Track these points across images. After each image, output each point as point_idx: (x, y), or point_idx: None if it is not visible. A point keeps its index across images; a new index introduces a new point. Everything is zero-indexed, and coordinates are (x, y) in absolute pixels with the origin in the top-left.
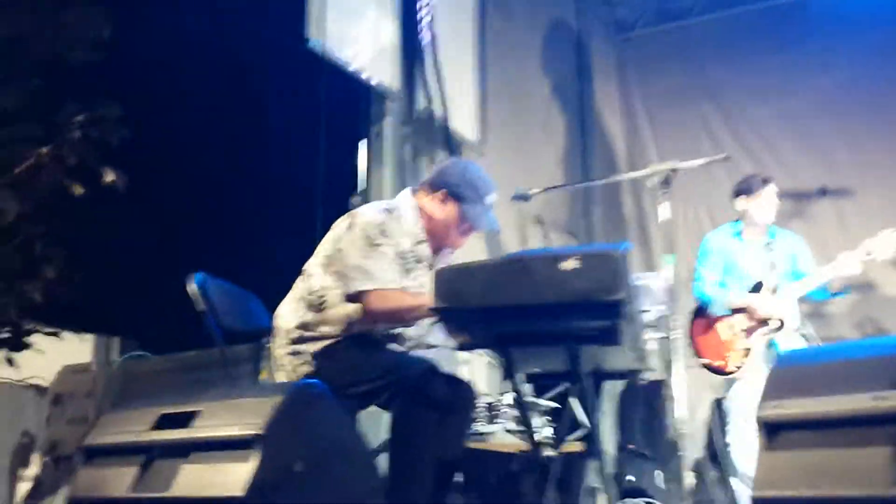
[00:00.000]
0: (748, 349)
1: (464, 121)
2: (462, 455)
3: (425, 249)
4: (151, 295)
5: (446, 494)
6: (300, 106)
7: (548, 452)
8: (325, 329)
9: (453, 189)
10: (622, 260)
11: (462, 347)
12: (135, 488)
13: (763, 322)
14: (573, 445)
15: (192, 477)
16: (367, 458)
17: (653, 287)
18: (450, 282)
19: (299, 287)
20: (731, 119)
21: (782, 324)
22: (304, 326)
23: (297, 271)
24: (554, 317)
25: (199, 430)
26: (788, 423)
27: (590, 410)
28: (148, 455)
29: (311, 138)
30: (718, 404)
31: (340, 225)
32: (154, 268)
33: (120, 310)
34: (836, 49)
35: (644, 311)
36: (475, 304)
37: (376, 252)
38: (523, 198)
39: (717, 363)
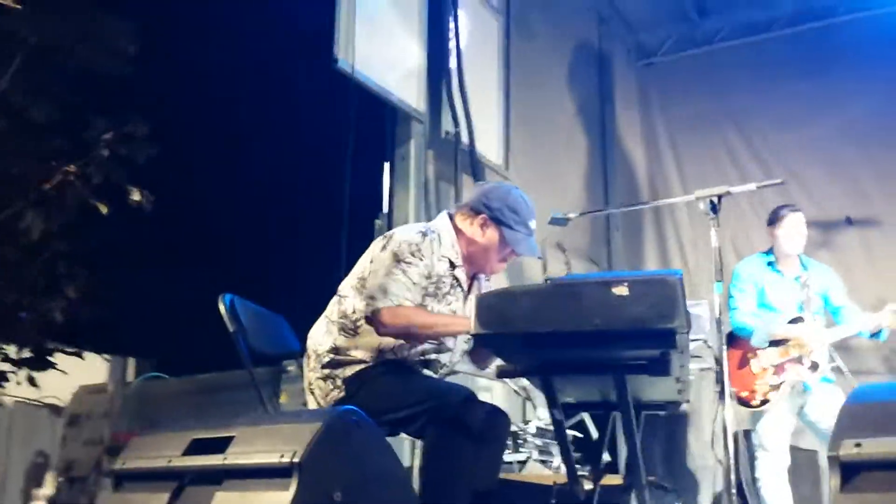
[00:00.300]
0: (776, 385)
1: (488, 144)
2: (496, 486)
3: (461, 274)
4: (170, 316)
5: None
6: (328, 126)
7: (587, 485)
8: (357, 353)
9: (495, 213)
10: (677, 286)
11: (501, 375)
12: None
13: (798, 359)
14: (613, 478)
15: None
16: (406, 488)
17: (699, 315)
18: (494, 307)
19: (333, 309)
20: (755, 146)
21: (817, 366)
22: (336, 350)
23: (321, 293)
24: (604, 345)
25: (234, 457)
26: (868, 463)
27: (632, 443)
28: (180, 481)
29: (339, 159)
30: (745, 436)
31: (376, 245)
32: (174, 289)
33: (137, 331)
34: (863, 77)
35: (692, 340)
36: (520, 330)
37: (400, 271)
38: (561, 222)
39: (743, 394)
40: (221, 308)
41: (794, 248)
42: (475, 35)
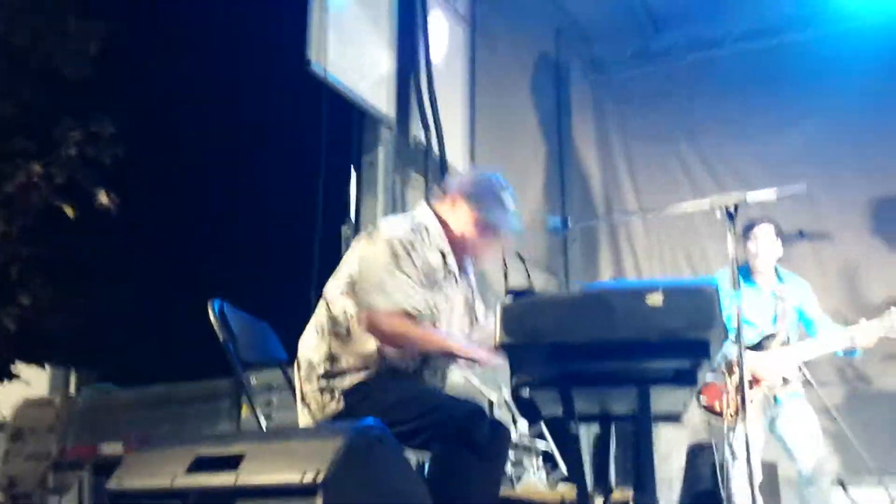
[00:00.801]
0: (748, 399)
1: (454, 151)
2: (497, 502)
3: (452, 262)
4: (118, 325)
5: None
6: (299, 131)
7: (598, 502)
8: (353, 360)
9: (471, 195)
10: (714, 296)
11: (518, 386)
12: None
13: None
14: (621, 494)
15: None
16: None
17: None
18: (520, 317)
19: (320, 314)
20: (710, 161)
21: (786, 381)
22: (331, 358)
23: (293, 299)
24: (635, 356)
25: (248, 475)
26: None
27: (646, 457)
28: (183, 501)
29: (310, 164)
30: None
31: (362, 244)
32: (130, 297)
33: (80, 340)
34: (818, 94)
35: None
36: (548, 341)
37: (399, 271)
38: (560, 228)
39: (715, 405)
40: (211, 314)
41: (762, 260)
42: (442, 43)
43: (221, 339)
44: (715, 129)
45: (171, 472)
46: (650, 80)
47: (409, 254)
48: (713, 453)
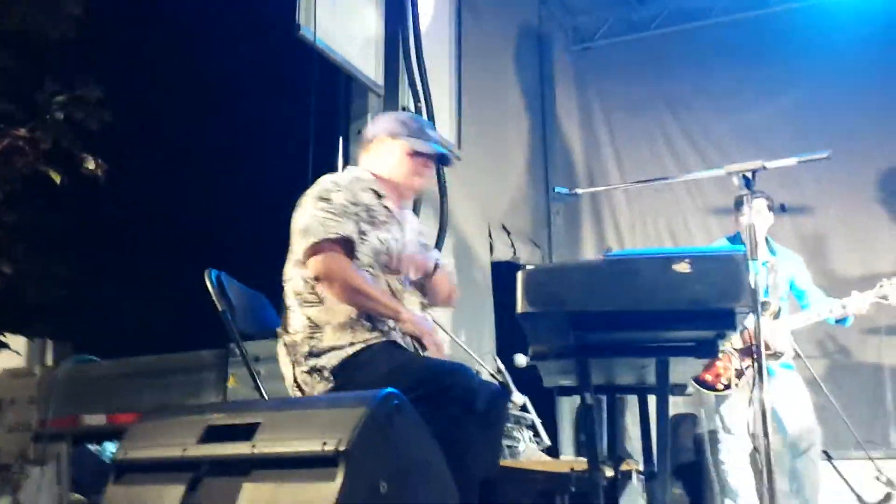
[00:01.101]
0: (740, 370)
1: (441, 121)
2: (498, 471)
3: (391, 205)
4: (105, 295)
5: None
6: (289, 100)
7: (608, 473)
8: (333, 330)
9: (397, 130)
10: (742, 264)
11: (535, 357)
12: None
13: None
14: (631, 464)
15: (257, 498)
16: (446, 477)
17: None
18: (542, 284)
19: (287, 295)
20: (691, 133)
21: (779, 354)
22: (312, 333)
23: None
24: (661, 325)
25: (265, 444)
26: None
27: (662, 428)
28: (195, 472)
29: (300, 133)
30: (692, 421)
31: (294, 214)
32: (117, 266)
33: (57, 310)
34: (797, 67)
35: None
36: (570, 310)
37: (320, 209)
38: (568, 196)
39: (707, 378)
40: (208, 284)
41: (759, 233)
42: (429, 10)
43: (220, 310)
44: (697, 100)
45: (181, 442)
46: (632, 52)
47: (329, 196)
48: (695, 425)
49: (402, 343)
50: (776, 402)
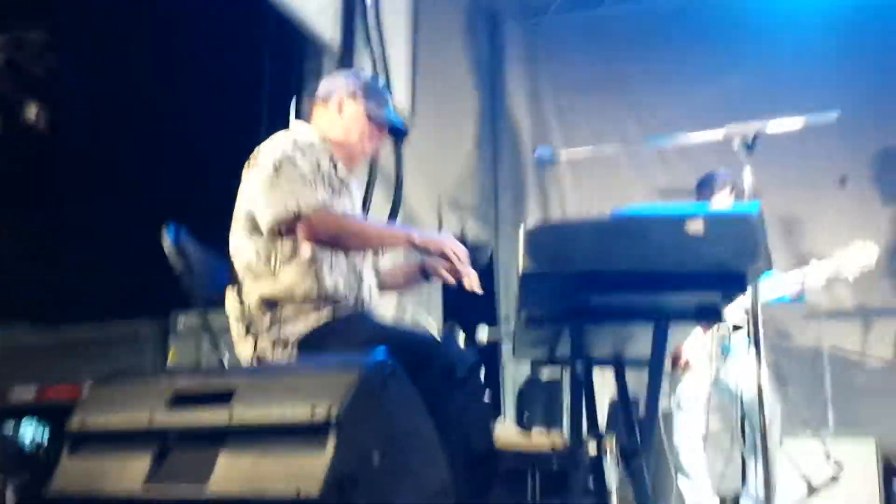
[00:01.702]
0: (699, 345)
1: (398, 89)
2: (491, 446)
3: (343, 170)
4: (38, 259)
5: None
6: (242, 57)
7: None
8: (289, 301)
9: (359, 93)
10: (759, 224)
11: (532, 322)
12: (151, 483)
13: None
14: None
15: (235, 470)
16: (437, 448)
17: None
18: (548, 242)
19: (238, 268)
20: (639, 112)
21: (739, 327)
22: (267, 305)
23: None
24: (671, 286)
25: (244, 411)
26: None
27: (652, 402)
28: (163, 442)
29: (253, 92)
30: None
31: (246, 174)
32: (52, 227)
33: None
34: (745, 49)
35: None
36: (577, 270)
37: (287, 175)
38: (548, 160)
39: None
40: (166, 241)
41: None
42: None
43: (178, 270)
44: (644, 80)
45: (146, 410)
46: (582, 28)
47: (292, 151)
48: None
49: (373, 313)
50: (732, 380)
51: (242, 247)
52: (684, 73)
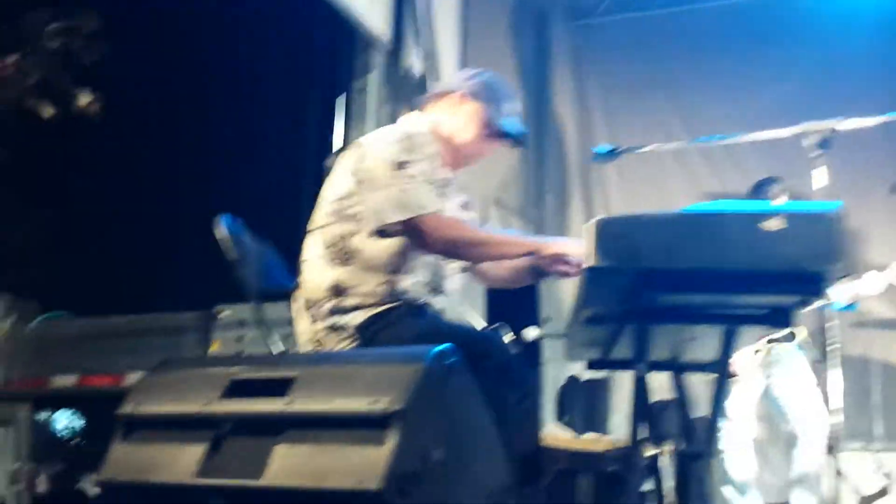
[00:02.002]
0: (755, 351)
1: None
2: (537, 447)
3: (448, 172)
4: (84, 248)
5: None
6: (292, 51)
7: (650, 452)
8: (362, 291)
9: (483, 95)
10: (840, 223)
11: (593, 321)
12: (204, 472)
13: None
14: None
15: (292, 462)
16: (497, 444)
17: None
18: (622, 235)
19: (311, 247)
20: (688, 116)
21: (793, 335)
22: (337, 290)
23: (278, 230)
24: (744, 287)
25: (303, 402)
26: None
27: (717, 406)
28: (217, 430)
29: (301, 86)
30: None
31: (346, 161)
32: (100, 217)
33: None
34: (799, 54)
35: None
36: (647, 266)
37: (405, 175)
38: (608, 155)
39: None
40: (222, 230)
41: None
42: None
43: (233, 260)
44: (693, 84)
45: (201, 397)
46: (632, 30)
47: (407, 152)
48: (676, 411)
49: (433, 307)
50: (780, 388)
51: (325, 230)
52: (733, 76)
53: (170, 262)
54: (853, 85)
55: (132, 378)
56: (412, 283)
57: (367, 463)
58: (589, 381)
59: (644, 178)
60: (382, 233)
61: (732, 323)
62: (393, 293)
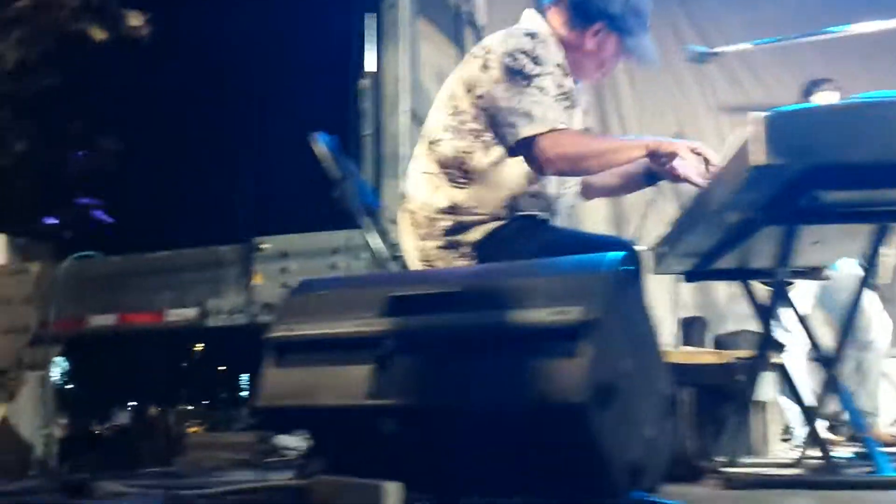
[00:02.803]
0: None
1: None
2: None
3: (571, 83)
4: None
5: None
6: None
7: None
8: (480, 209)
9: (616, 22)
10: None
11: (753, 224)
12: (374, 393)
13: None
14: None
15: (478, 379)
16: (662, 358)
17: None
18: (789, 131)
19: (424, 159)
20: (702, 26)
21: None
22: (453, 209)
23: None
24: None
25: (478, 316)
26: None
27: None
28: (381, 350)
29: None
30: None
31: (468, 67)
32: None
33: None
34: None
35: None
36: (824, 161)
37: (533, 88)
38: (704, 56)
39: None
40: (322, 148)
41: None
42: None
43: (337, 178)
44: None
45: (360, 316)
46: None
47: (535, 64)
48: (705, 327)
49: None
50: (837, 298)
51: (442, 139)
52: None
53: (205, 194)
54: None
55: (173, 315)
56: (531, 201)
57: (560, 378)
58: None
59: (659, 91)
60: (509, 150)
61: (889, 220)
62: (512, 210)
